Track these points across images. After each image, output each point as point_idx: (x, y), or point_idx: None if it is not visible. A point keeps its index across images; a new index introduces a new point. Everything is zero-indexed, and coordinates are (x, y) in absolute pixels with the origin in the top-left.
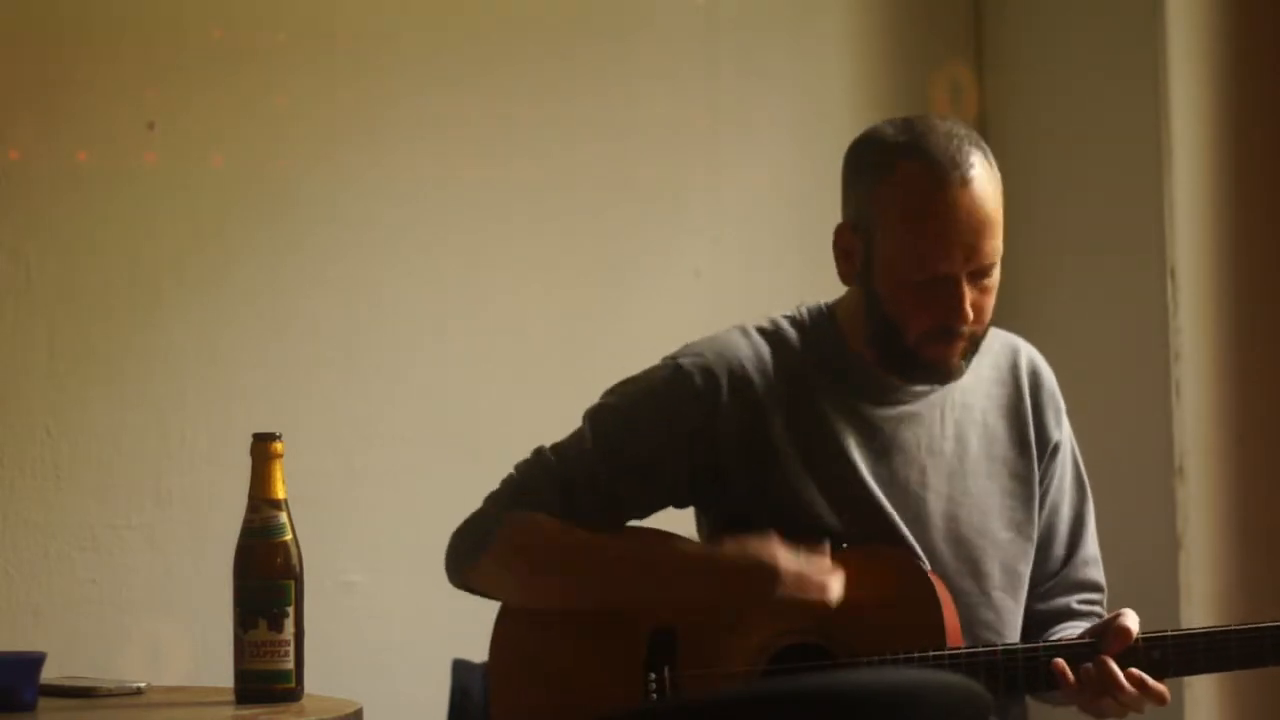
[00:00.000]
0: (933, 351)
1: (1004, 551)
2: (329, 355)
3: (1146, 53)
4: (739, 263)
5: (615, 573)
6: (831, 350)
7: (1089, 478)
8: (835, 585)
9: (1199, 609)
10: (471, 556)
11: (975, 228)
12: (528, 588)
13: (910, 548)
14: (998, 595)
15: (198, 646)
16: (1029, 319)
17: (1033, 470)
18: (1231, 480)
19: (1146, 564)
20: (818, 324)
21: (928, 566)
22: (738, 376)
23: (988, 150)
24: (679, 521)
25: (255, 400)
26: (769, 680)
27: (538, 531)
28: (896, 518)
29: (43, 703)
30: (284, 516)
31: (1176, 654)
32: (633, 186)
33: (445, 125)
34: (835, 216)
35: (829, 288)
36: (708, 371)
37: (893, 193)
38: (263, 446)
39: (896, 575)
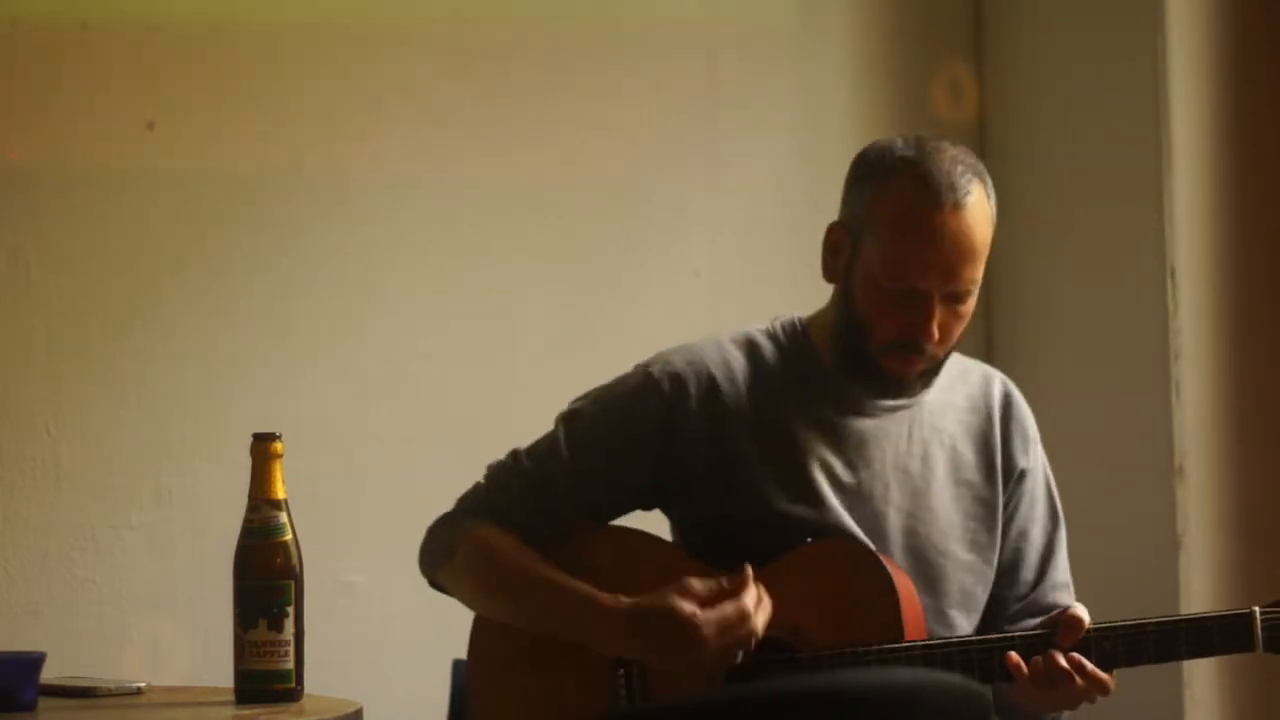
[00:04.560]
0: (892, 364)
1: (963, 571)
2: (329, 355)
3: (1146, 53)
4: (739, 263)
5: (553, 615)
6: (803, 361)
7: (1089, 477)
8: (758, 617)
9: (1199, 609)
10: (437, 563)
11: (959, 253)
12: (482, 606)
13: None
14: (953, 613)
15: (198, 646)
16: (1029, 319)
17: (997, 496)
18: (1231, 480)
19: (1146, 564)
20: (791, 335)
21: (888, 560)
22: (706, 384)
23: (989, 183)
24: (649, 522)
25: (255, 400)
26: (768, 681)
27: (491, 552)
28: (856, 529)
29: (43, 703)
30: (284, 516)
31: (1126, 644)
32: (633, 186)
33: (445, 125)
34: (835, 217)
35: (827, 288)
36: (676, 378)
37: (887, 202)
38: (263, 446)
39: (854, 569)
